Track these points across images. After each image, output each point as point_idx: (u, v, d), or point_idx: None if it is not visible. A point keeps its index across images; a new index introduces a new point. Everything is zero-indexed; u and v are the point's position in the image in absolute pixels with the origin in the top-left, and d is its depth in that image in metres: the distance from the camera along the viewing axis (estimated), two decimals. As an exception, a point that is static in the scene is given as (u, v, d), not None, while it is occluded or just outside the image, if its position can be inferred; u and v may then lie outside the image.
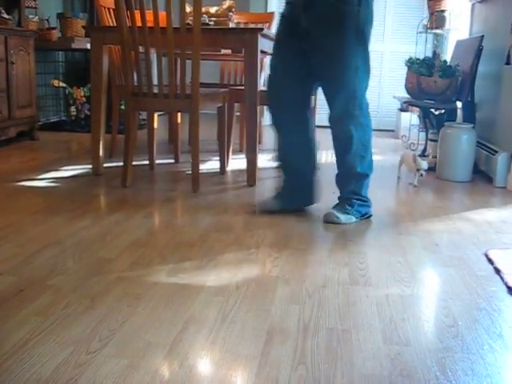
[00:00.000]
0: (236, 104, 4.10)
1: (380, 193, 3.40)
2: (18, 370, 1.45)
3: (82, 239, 2.45)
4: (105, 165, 3.72)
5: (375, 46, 5.99)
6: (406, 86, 4.48)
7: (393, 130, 6.40)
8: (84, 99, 5.84)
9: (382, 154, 4.86)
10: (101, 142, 3.62)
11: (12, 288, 1.94)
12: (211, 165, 4.05)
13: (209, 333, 1.68)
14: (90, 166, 3.72)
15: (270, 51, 4.09)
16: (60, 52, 6.21)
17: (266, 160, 4.30)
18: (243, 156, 4.34)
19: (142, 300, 1.86)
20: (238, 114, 4.36)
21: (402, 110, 6.04)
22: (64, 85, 5.76)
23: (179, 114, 4.16)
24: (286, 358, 1.55)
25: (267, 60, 5.48)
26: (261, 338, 1.66)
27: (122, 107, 4.65)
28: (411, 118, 5.55)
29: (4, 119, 4.55)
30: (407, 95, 4.59)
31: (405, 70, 4.48)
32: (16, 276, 2.05)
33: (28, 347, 1.56)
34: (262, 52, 3.68)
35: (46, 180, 3.51)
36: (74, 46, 5.61)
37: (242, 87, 3.71)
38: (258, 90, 3.41)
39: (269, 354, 1.57)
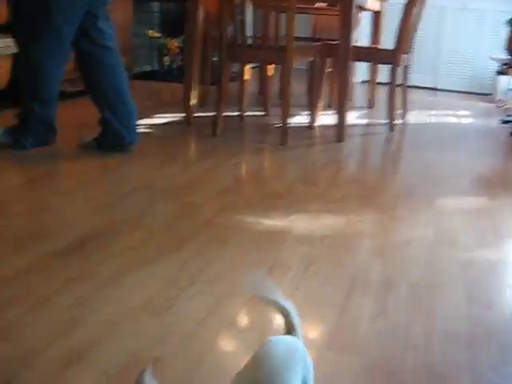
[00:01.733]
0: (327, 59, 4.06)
1: (469, 158, 3.31)
2: (113, 298, 1.55)
3: (172, 183, 2.54)
4: (195, 114, 3.80)
5: (473, 4, 5.73)
6: (506, 46, 4.28)
7: (489, 94, 6.14)
8: (178, 50, 5.94)
9: (475, 118, 4.69)
10: (193, 92, 3.69)
11: (107, 225, 2.06)
12: (300, 119, 4.05)
13: (293, 279, 1.72)
14: (182, 115, 3.80)
15: (367, 6, 4.02)
16: (156, 2, 6.31)
17: (355, 117, 4.26)
18: (332, 112, 4.32)
19: (229, 244, 1.93)
20: (329, 70, 4.32)
21: (499, 72, 5.76)
22: (159, 35, 5.87)
23: (271, 68, 4.17)
24: (367, 309, 1.58)
25: (361, 15, 5.37)
26: (343, 287, 1.69)
27: (215, 59, 4.70)
28: (510, 82, 5.29)
29: (102, 66, 4.71)
30: (507, 56, 4.39)
31: (506, 29, 4.27)
32: (110, 213, 2.16)
33: (122, 279, 1.66)
34: (360, 8, 3.61)
35: (140, 126, 3.63)
36: (170, -4, 5.70)
37: (335, 42, 3.67)
38: (352, 45, 3.36)
39: (350, 304, 1.60)
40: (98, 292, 1.58)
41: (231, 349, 1.40)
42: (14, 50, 3.72)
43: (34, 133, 2.83)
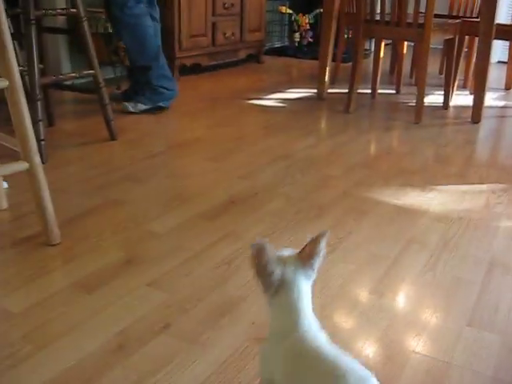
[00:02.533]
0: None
1: None
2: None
3: (309, 155, 2.60)
4: (328, 90, 3.83)
5: None
6: None
7: None
8: (308, 26, 5.97)
9: None
10: (327, 68, 3.72)
11: (248, 191, 2.16)
12: (433, 99, 3.96)
13: (430, 255, 1.73)
14: (314, 91, 3.84)
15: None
16: (288, -21, 6.35)
17: (491, 98, 4.10)
18: (467, 92, 4.19)
19: (367, 215, 1.97)
20: (465, 50, 4.18)
21: None
22: (290, 11, 5.92)
23: (405, 45, 4.10)
24: (507, 289, 1.56)
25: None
26: (482, 266, 1.68)
27: (346, 36, 4.68)
28: None
29: (236, 41, 4.85)
30: None
31: None
32: (251, 181, 2.27)
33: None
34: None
35: (273, 100, 3.73)
36: (303, -28, 5.71)
37: (476, 19, 3.54)
38: (495, 23, 3.24)
39: (489, 283, 1.59)
40: (241, 253, 1.68)
41: (369, 312, 1.45)
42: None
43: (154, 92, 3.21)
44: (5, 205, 1.96)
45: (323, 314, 1.39)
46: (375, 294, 1.50)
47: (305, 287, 0.96)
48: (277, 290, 0.95)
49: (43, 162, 2.36)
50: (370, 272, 1.61)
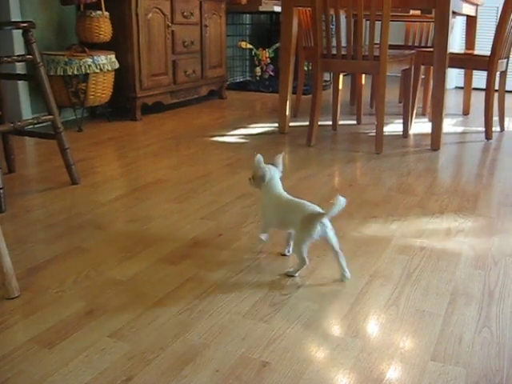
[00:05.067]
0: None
1: None
2: (220, 303, 1.63)
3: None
4: (290, 124, 3.87)
5: None
6: None
7: None
8: (268, 60, 6.05)
9: None
10: (288, 102, 3.76)
11: (212, 232, 2.15)
12: (393, 127, 4.03)
13: (393, 288, 1.74)
14: (276, 125, 3.88)
15: (461, 12, 3.95)
16: (247, 14, 6.45)
17: (450, 124, 4.19)
18: (425, 120, 4.27)
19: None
20: (422, 76, 4.28)
21: None
22: (251, 46, 6.01)
23: (363, 76, 4.18)
24: (470, 320, 1.57)
25: (455, 20, 5.27)
26: (445, 298, 1.69)
27: (305, 68, 4.76)
28: None
29: (197, 78, 4.89)
30: None
31: None
32: (215, 221, 2.26)
33: (228, 285, 1.74)
34: (453, 13, 3.56)
35: (236, 136, 3.75)
36: (261, 8, 5.81)
37: (430, 49, 3.63)
38: (448, 52, 3.33)
39: (452, 314, 1.60)
40: (204, 298, 1.66)
41: (334, 351, 1.44)
42: (116, 65, 3.93)
43: None
44: (-38, 258, 1.92)
45: (287, 355, 1.38)
46: (339, 332, 1.50)
47: (279, 179, 1.91)
48: (268, 182, 1.87)
49: (2, 211, 2.34)
50: (334, 310, 1.61)
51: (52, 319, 1.55)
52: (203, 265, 1.88)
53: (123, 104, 4.25)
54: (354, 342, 1.46)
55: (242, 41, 6.06)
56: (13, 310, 1.60)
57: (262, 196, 1.91)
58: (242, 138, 3.68)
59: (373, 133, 3.37)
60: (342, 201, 1.67)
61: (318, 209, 1.77)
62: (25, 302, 1.64)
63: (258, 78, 6.13)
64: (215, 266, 1.86)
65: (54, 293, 1.69)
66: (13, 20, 3.71)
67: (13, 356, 1.39)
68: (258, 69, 6.11)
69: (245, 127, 4.02)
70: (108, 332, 1.48)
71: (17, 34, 3.76)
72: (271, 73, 6.11)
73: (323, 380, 1.31)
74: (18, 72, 3.77)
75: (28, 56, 2.54)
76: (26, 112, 3.92)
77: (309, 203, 1.81)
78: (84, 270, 1.83)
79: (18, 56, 2.67)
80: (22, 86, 3.89)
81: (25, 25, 2.49)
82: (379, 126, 3.30)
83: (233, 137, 3.72)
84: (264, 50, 6.03)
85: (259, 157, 1.87)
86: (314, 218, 1.73)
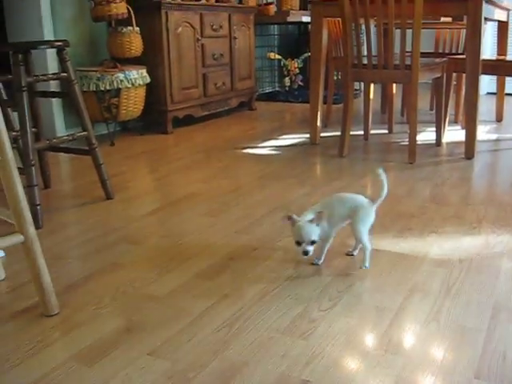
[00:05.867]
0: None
1: None
2: (258, 319, 1.62)
3: (306, 204, 2.57)
4: (321, 134, 3.85)
5: None
6: None
7: None
8: (297, 70, 6.05)
9: None
10: (319, 112, 3.75)
11: (247, 246, 2.15)
12: (426, 136, 3.99)
13: (433, 303, 1.71)
14: (307, 135, 3.87)
15: (493, 17, 3.90)
16: (275, 25, 6.47)
17: (483, 132, 4.13)
18: (458, 127, 4.22)
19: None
20: (453, 83, 4.22)
21: None
22: (279, 57, 6.01)
23: (394, 84, 4.15)
24: (514, 335, 1.54)
25: (486, 26, 5.19)
26: (486, 312, 1.66)
27: (335, 77, 4.75)
28: None
29: (227, 90, 4.91)
30: None
31: None
32: (249, 235, 2.26)
33: (265, 300, 1.74)
34: (485, 19, 3.51)
35: (267, 148, 3.75)
36: (289, 19, 5.81)
37: (462, 56, 3.59)
38: (480, 58, 3.28)
39: (495, 329, 1.57)
40: (242, 314, 1.66)
41: (375, 369, 1.42)
42: (148, 80, 3.97)
43: None
44: (2, 275, 1.94)
45: (327, 373, 1.36)
46: (379, 349, 1.48)
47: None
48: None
49: (39, 227, 2.37)
50: (373, 326, 1.59)
51: (91, 337, 1.56)
52: (240, 280, 1.87)
53: (154, 118, 4.29)
54: (395, 359, 1.43)
55: (271, 51, 6.08)
56: (53, 328, 1.61)
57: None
58: (274, 150, 3.68)
59: (405, 142, 3.34)
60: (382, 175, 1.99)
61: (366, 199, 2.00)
62: (64, 319, 1.66)
63: (287, 88, 6.13)
64: (252, 281, 1.86)
65: (93, 310, 1.70)
66: (46, 39, 3.78)
67: (54, 374, 1.40)
68: (286, 79, 6.11)
69: (275, 138, 4.02)
70: (147, 350, 1.49)
71: (50, 52, 3.82)
72: (300, 83, 6.11)
73: (365, 399, 1.29)
74: (52, 89, 3.84)
75: (63, 74, 2.58)
76: (60, 128, 3.98)
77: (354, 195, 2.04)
78: (121, 287, 1.84)
79: (53, 74, 2.72)
80: (56, 103, 3.95)
81: (59, 44, 2.53)
82: (412, 136, 3.26)
83: (264, 149, 3.72)
84: (293, 60, 6.04)
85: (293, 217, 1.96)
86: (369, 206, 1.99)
